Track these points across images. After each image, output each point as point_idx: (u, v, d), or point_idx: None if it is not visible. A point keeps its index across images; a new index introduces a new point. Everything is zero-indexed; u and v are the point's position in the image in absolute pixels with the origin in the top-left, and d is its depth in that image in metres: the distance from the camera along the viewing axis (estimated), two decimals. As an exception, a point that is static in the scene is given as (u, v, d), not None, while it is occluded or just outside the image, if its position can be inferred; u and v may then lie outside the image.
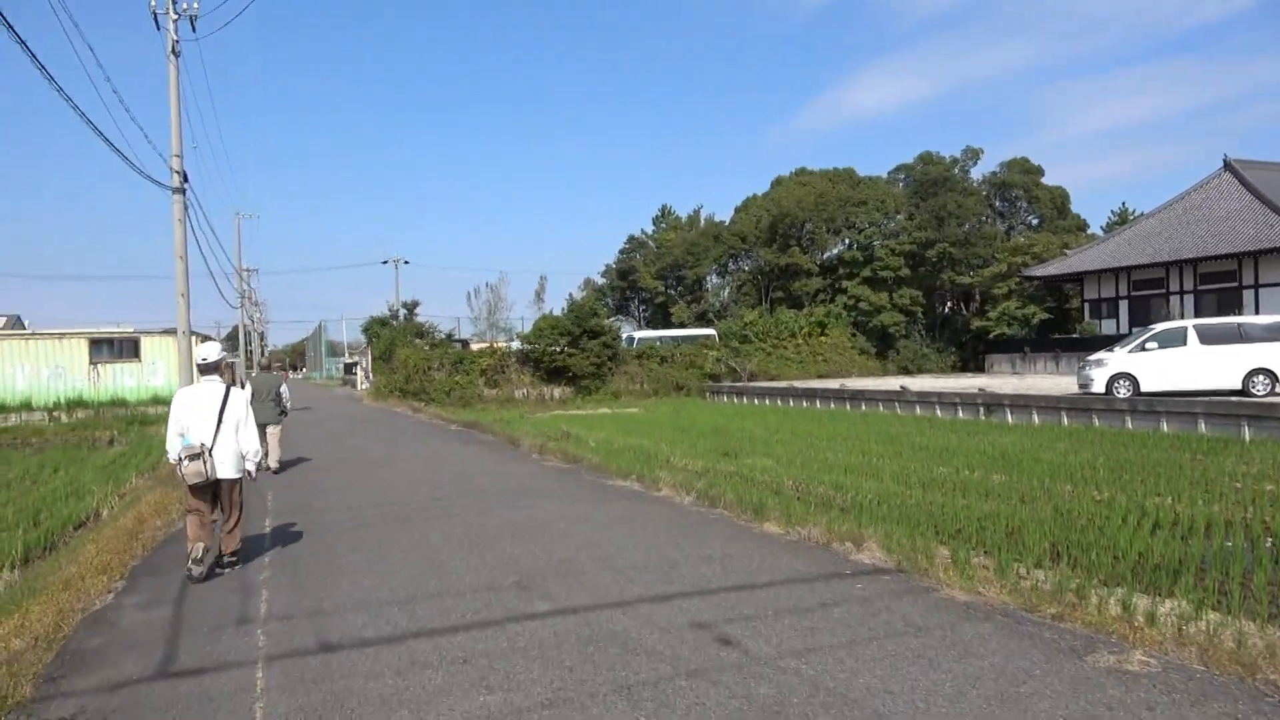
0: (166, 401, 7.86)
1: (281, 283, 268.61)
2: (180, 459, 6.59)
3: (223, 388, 7.06)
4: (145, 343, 34.11)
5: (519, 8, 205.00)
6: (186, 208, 21.83)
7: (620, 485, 10.63)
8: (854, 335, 43.65)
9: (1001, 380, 29.65)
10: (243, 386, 14.43)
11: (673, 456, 14.52)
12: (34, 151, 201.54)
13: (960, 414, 20.98)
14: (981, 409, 20.53)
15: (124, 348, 34.10)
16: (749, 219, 55.94)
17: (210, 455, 6.66)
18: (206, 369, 7.12)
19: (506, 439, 17.40)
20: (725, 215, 62.23)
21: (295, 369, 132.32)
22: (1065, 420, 18.23)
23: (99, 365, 33.55)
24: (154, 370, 33.88)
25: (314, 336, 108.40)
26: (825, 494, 10.37)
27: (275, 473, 13.74)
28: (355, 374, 58.28)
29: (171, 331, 33.93)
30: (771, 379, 35.44)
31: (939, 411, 21.71)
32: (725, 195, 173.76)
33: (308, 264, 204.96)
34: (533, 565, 6.39)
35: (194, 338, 34.90)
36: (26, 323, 47.95)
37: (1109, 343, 28.32)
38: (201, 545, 6.60)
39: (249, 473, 7.12)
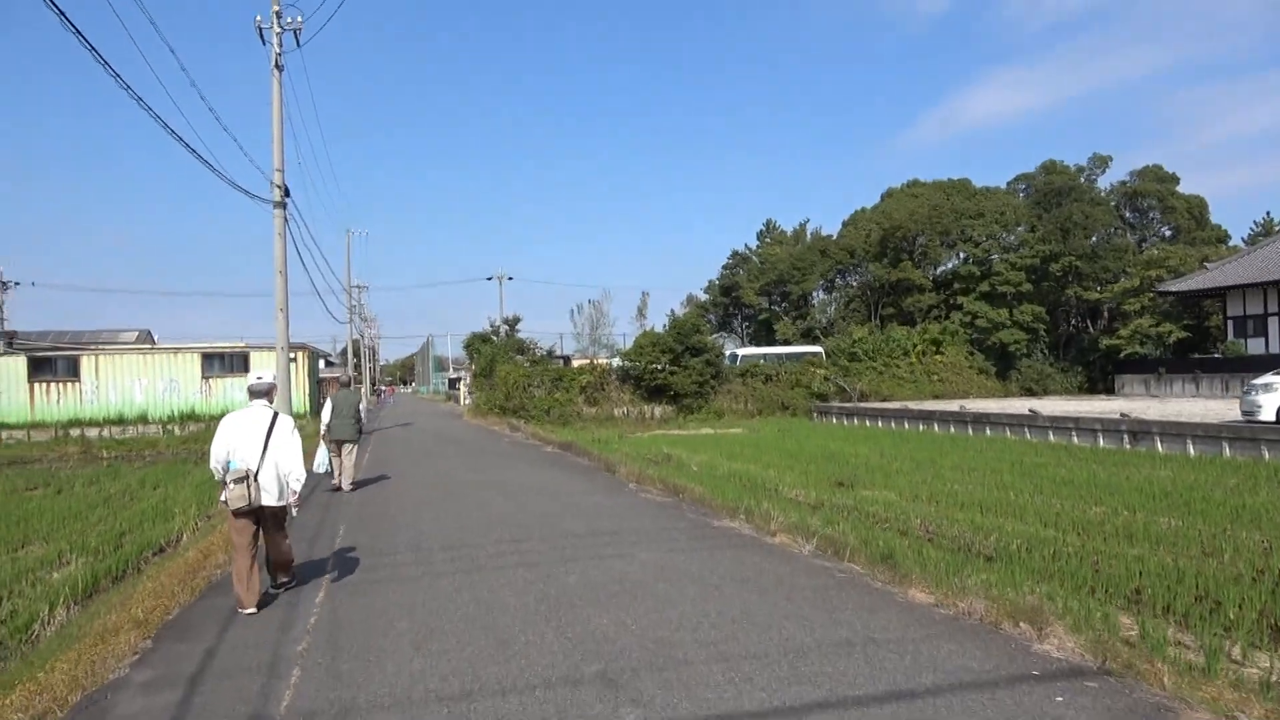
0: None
1: (391, 298, 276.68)
2: (225, 482, 6.50)
3: (270, 412, 6.89)
4: (254, 357, 34.57)
5: (624, 24, 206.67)
6: (287, 222, 21.65)
7: (728, 527, 9.22)
8: (971, 354, 41.19)
9: (1141, 404, 27.09)
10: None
11: (781, 485, 13.29)
12: (161, 170, 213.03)
13: (1101, 442, 18.95)
14: (1126, 436, 18.47)
15: (234, 362, 34.69)
16: (858, 233, 53.94)
17: (255, 480, 6.51)
18: (257, 392, 7.00)
19: (603, 464, 16.27)
20: (832, 229, 60.34)
21: (405, 384, 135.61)
22: (1228, 452, 16.11)
23: (210, 379, 34.18)
24: (264, 384, 34.32)
25: (422, 352, 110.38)
26: (962, 537, 8.98)
27: (341, 490, 13.57)
28: (459, 389, 58.58)
29: (292, 347, 34.45)
30: (883, 400, 33.56)
31: (1075, 438, 19.71)
32: (832, 209, 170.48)
33: (416, 279, 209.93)
34: (622, 646, 5.08)
35: (302, 352, 35.55)
36: (156, 337, 49.53)
37: (1257, 365, 25.67)
38: (249, 612, 6.37)
39: (291, 501, 6.78)
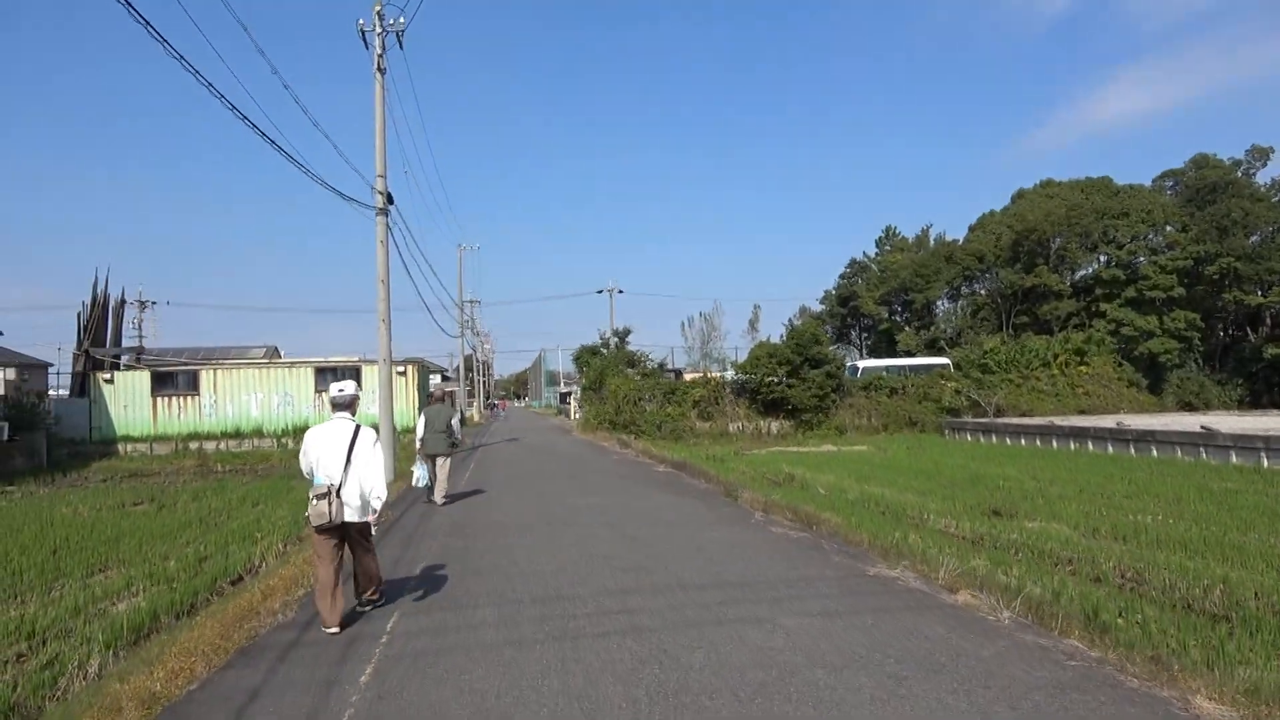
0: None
1: (505, 312, 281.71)
2: (309, 498, 6.29)
3: (353, 425, 6.57)
4: (366, 371, 34.34)
5: (741, 34, 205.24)
6: (390, 230, 20.99)
7: (886, 576, 7.36)
8: (1120, 364, 37.71)
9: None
10: (460, 414, 13.56)
11: (926, 514, 11.53)
12: (300, 193, 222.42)
13: (1300, 464, 16.32)
14: (1331, 459, 15.83)
15: (347, 375, 34.36)
16: (986, 237, 50.88)
17: (338, 496, 6.26)
18: (339, 405, 6.71)
19: (721, 487, 14.65)
20: (958, 234, 57.30)
21: (519, 398, 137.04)
22: None
23: (323, 393, 34.07)
24: (373, 398, 34.05)
25: (535, 366, 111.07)
26: (1174, 587, 7.14)
27: (436, 503, 13.47)
28: (569, 404, 57.96)
29: (403, 360, 34.24)
30: (1022, 415, 30.88)
31: (1265, 460, 17.08)
32: (957, 213, 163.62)
33: (529, 293, 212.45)
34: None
35: (412, 365, 35.26)
36: (283, 353, 50.43)
37: None
38: (331, 631, 6.18)
39: (374, 513, 6.50)
